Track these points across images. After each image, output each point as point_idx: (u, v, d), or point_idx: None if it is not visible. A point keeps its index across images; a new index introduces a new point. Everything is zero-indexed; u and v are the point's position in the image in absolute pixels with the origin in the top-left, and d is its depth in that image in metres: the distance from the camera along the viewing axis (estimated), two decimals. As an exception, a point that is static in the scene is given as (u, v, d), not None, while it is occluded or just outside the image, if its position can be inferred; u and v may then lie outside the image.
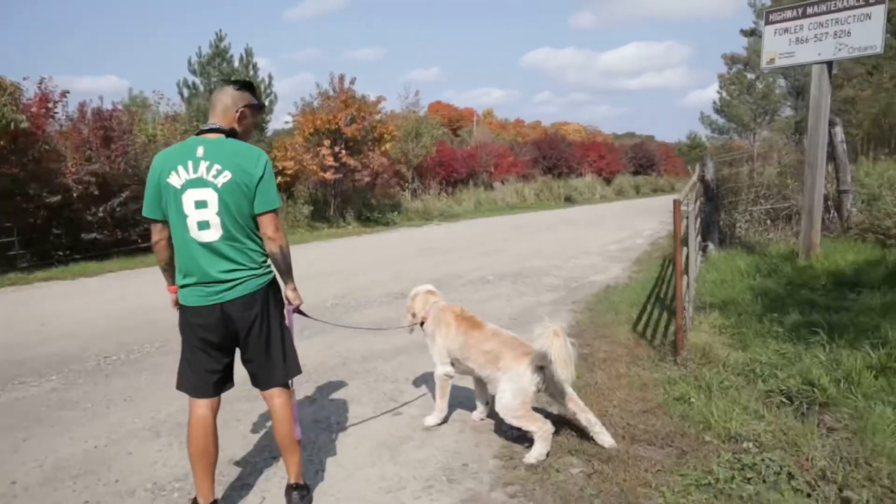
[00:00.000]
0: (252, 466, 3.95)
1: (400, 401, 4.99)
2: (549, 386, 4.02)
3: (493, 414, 4.54)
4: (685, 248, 6.28)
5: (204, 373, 3.21)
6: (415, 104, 23.23)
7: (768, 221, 10.09)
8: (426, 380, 5.46)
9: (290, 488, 3.39)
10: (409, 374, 5.61)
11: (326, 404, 4.97)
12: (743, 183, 10.53)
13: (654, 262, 11.62)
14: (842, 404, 4.34)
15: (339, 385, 5.43)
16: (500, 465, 3.83)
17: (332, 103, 16.94)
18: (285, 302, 3.42)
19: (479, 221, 20.44)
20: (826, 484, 3.43)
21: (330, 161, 16.15)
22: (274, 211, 3.18)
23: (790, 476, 3.51)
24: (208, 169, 3.04)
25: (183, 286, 3.14)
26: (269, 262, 3.27)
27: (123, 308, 8.87)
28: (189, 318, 3.15)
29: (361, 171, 17.12)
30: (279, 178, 16.42)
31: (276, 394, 3.34)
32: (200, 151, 3.06)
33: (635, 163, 40.16)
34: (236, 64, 19.60)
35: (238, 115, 3.22)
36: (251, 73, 19.73)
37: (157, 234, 3.19)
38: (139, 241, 14.19)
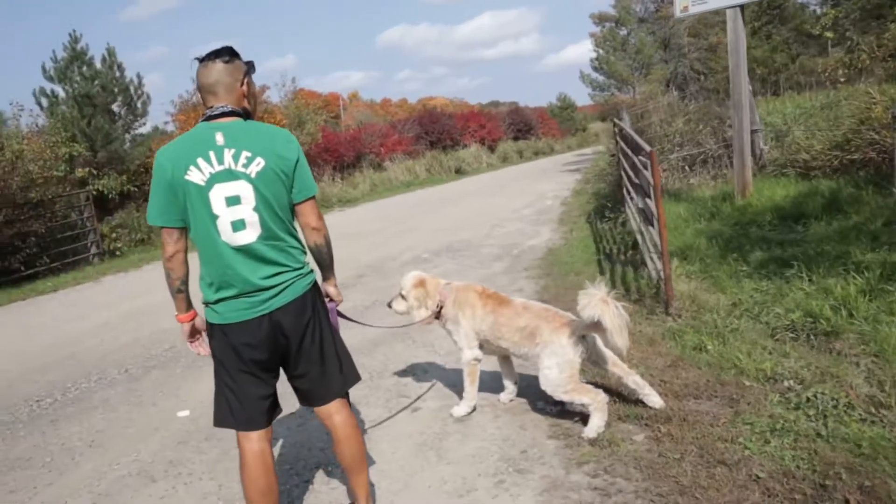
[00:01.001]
0: (287, 496, 3.54)
1: (410, 395, 4.67)
2: (592, 354, 3.85)
3: (521, 392, 4.35)
4: (648, 200, 6.27)
5: (256, 400, 2.75)
6: (293, 92, 22.33)
7: (686, 168, 10.38)
8: (425, 369, 5.17)
9: None
10: (401, 366, 5.29)
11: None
12: (655, 134, 10.76)
13: (576, 221, 11.73)
14: (847, 331, 4.44)
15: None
16: (560, 446, 3.63)
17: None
18: (326, 300, 3.04)
19: (381, 203, 20.01)
20: (885, 409, 3.45)
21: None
22: (314, 197, 2.81)
23: (849, 406, 3.52)
24: (235, 158, 2.57)
25: (218, 301, 2.65)
26: (308, 258, 2.88)
27: (31, 346, 7.86)
28: (232, 338, 2.66)
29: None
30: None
31: (336, 409, 2.93)
32: (220, 139, 2.57)
33: (514, 128, 40.71)
34: (99, 66, 17.99)
35: (245, 89, 2.73)
36: (117, 74, 18.19)
37: (173, 244, 2.62)
38: (22, 268, 12.83)
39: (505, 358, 4.29)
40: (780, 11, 23.34)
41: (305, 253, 2.85)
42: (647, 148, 5.74)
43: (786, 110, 10.59)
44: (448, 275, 8.64)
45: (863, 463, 3.00)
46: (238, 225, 2.59)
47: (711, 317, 5.12)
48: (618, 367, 3.89)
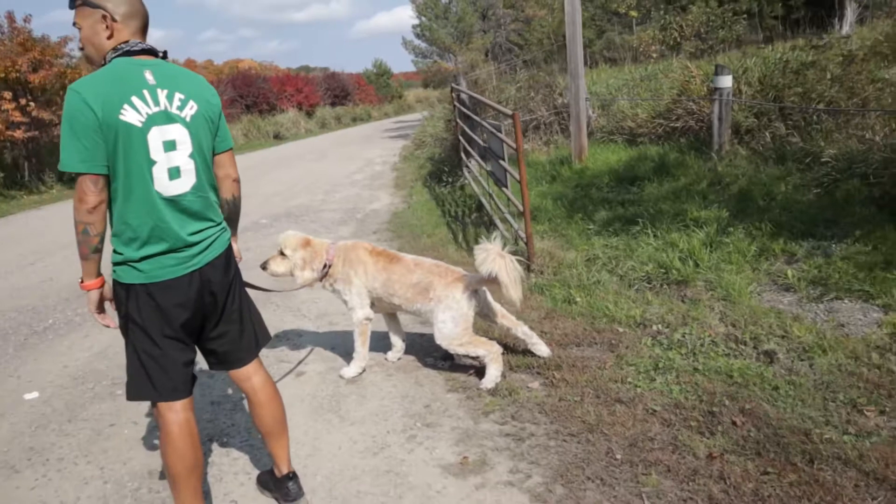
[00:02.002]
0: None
1: (290, 360, 4.50)
2: (483, 307, 3.93)
3: (408, 350, 4.36)
4: (502, 162, 6.46)
5: (181, 367, 2.49)
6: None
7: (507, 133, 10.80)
8: (298, 333, 5.01)
9: (284, 479, 2.85)
10: (273, 331, 5.02)
11: (208, 382, 4.30)
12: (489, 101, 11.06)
13: (412, 185, 11.82)
14: (695, 279, 4.90)
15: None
16: (461, 398, 3.69)
17: (6, 47, 14.04)
18: None
19: (200, 168, 18.94)
20: (742, 344, 3.87)
21: (17, 117, 13.50)
22: (232, 147, 2.67)
23: (713, 343, 3.91)
24: (169, 99, 2.35)
25: (144, 258, 2.35)
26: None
27: None
28: (159, 298, 2.38)
29: (59, 126, 14.51)
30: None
31: (254, 370, 2.76)
32: (150, 77, 2.32)
33: (331, 94, 40.04)
34: None
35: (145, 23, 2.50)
36: None
37: (97, 194, 2.25)
38: None
39: (392, 315, 4.27)
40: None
41: (220, 207, 2.66)
42: (509, 112, 5.89)
43: (608, 81, 11.33)
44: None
45: (738, 390, 3.35)
46: (174, 173, 2.37)
47: (572, 272, 5.41)
48: (506, 319, 4.01)
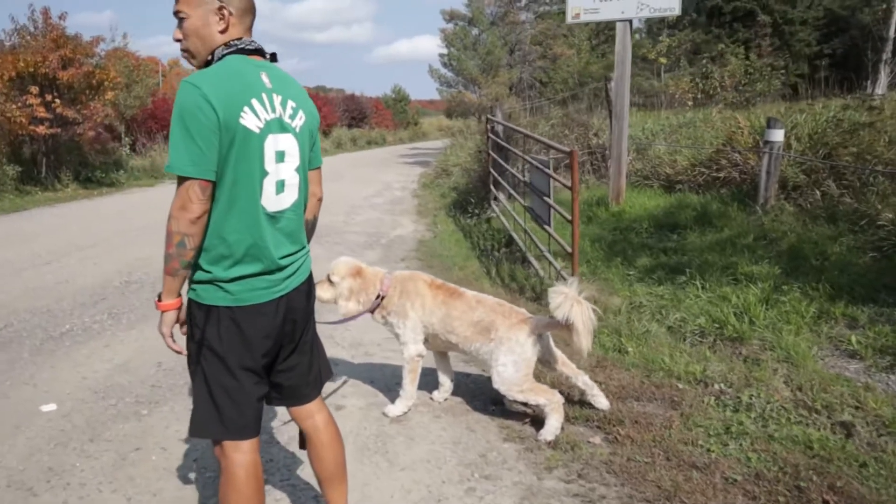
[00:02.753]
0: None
1: (325, 391, 4.26)
2: (545, 353, 3.71)
3: (455, 391, 4.13)
4: (548, 199, 6.29)
5: (255, 403, 2.29)
6: (124, 49, 20.26)
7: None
8: (333, 362, 4.75)
9: None
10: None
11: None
12: (520, 136, 10.93)
13: (436, 214, 11.66)
14: (751, 337, 4.68)
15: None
16: (519, 449, 3.45)
17: (38, 42, 13.96)
18: None
19: (216, 179, 18.78)
20: (815, 413, 3.64)
21: (42, 112, 13.37)
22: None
23: (782, 409, 3.68)
24: (283, 106, 2.19)
25: (235, 279, 2.14)
26: None
27: None
28: (244, 324, 2.17)
29: (83, 124, 14.44)
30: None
31: (318, 407, 2.54)
32: (266, 80, 2.16)
33: (348, 115, 40.25)
34: None
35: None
36: None
37: (204, 203, 2.04)
38: None
39: (443, 354, 4.04)
40: (615, 33, 24.92)
41: None
42: (566, 149, 5.73)
43: (644, 125, 11.22)
44: (318, 259, 8.16)
45: (821, 465, 3.12)
46: (280, 186, 2.21)
47: (618, 319, 5.19)
48: (567, 367, 3.79)
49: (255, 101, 2.09)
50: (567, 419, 3.71)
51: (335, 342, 5.16)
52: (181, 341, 2.27)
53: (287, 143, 2.19)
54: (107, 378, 4.49)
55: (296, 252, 2.31)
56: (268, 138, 2.12)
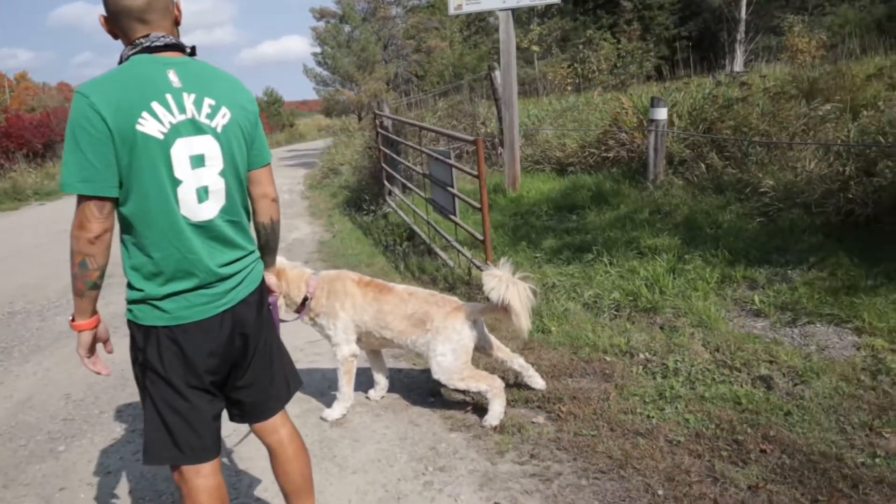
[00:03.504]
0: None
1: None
2: (481, 339, 3.73)
3: (391, 387, 4.07)
4: (451, 189, 6.32)
5: (211, 423, 2.15)
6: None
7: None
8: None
9: None
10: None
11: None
12: (408, 129, 10.93)
13: (330, 214, 11.46)
14: (664, 306, 4.90)
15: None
16: (468, 437, 3.45)
17: None
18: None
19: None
20: (736, 370, 3.86)
21: None
22: (270, 162, 2.32)
23: (705, 370, 3.88)
24: (197, 105, 1.98)
25: (168, 296, 2.00)
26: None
27: None
28: (184, 343, 2.02)
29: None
30: None
31: (282, 421, 2.42)
32: (174, 79, 1.96)
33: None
34: None
35: (178, 13, 2.10)
36: None
37: (101, 221, 1.88)
38: None
39: (375, 352, 3.98)
40: (486, 24, 25.44)
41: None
42: (469, 138, 5.77)
43: (529, 111, 11.48)
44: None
45: (752, 417, 3.31)
46: (202, 194, 2.01)
47: (535, 301, 5.28)
48: (502, 352, 3.82)
49: (156, 105, 1.90)
50: (508, 402, 3.74)
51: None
52: (119, 361, 2.10)
53: (205, 145, 1.99)
54: (10, 417, 4.12)
55: (238, 259, 2.14)
56: (176, 143, 1.93)
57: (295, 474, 2.42)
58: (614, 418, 3.42)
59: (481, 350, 3.82)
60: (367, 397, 4.01)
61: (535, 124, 10.78)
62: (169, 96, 1.92)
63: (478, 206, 5.58)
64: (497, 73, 10.01)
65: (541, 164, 9.71)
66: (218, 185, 2.04)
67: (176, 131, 1.93)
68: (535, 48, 18.47)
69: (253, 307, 2.20)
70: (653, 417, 3.40)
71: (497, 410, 3.53)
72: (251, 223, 2.31)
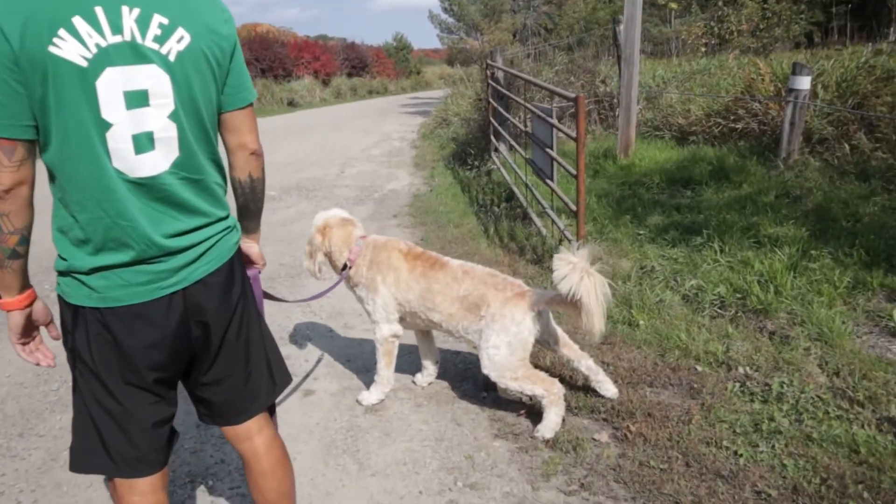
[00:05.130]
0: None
1: (296, 372, 3.77)
2: (544, 333, 3.18)
3: (443, 372, 3.62)
4: (550, 151, 5.70)
5: (151, 430, 1.75)
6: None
7: (557, 120, 9.99)
8: (306, 335, 4.27)
9: None
10: (274, 330, 4.33)
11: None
12: (522, 83, 10.25)
13: (434, 166, 11.04)
14: (778, 309, 4.14)
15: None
16: (512, 449, 2.94)
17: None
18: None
19: (209, 130, 18.08)
20: (857, 406, 3.12)
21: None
22: (253, 104, 1.82)
23: (819, 400, 3.16)
24: (142, 24, 1.52)
25: (95, 270, 1.59)
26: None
27: None
28: (118, 331, 1.63)
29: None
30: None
31: (258, 427, 1.99)
32: None
33: (349, 64, 39.18)
34: None
35: None
36: None
37: (13, 171, 1.47)
38: None
39: (425, 333, 3.52)
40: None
41: (226, 193, 1.86)
42: (570, 95, 5.12)
43: (655, 72, 10.50)
44: (304, 216, 7.65)
45: (872, 475, 2.60)
46: (143, 142, 1.56)
47: (628, 286, 4.65)
48: (568, 349, 3.26)
49: (79, 20, 1.44)
50: (569, 409, 3.20)
51: (312, 312, 4.65)
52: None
53: (149, 78, 1.53)
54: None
55: (196, 229, 1.70)
56: (104, 74, 1.47)
57: (270, 492, 2.00)
58: (693, 450, 2.81)
59: (544, 344, 3.28)
60: (414, 382, 3.57)
61: (660, 86, 9.82)
62: (99, 10, 1.46)
63: (574, 172, 4.96)
64: (621, 27, 9.14)
65: (660, 130, 8.82)
66: (167, 132, 1.59)
67: (105, 57, 1.47)
68: (673, 5, 17.00)
69: (216, 290, 1.76)
70: (741, 455, 2.76)
71: (552, 421, 3.00)
72: (228, 180, 1.86)
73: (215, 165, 1.76)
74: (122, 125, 1.52)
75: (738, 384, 3.34)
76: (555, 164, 5.60)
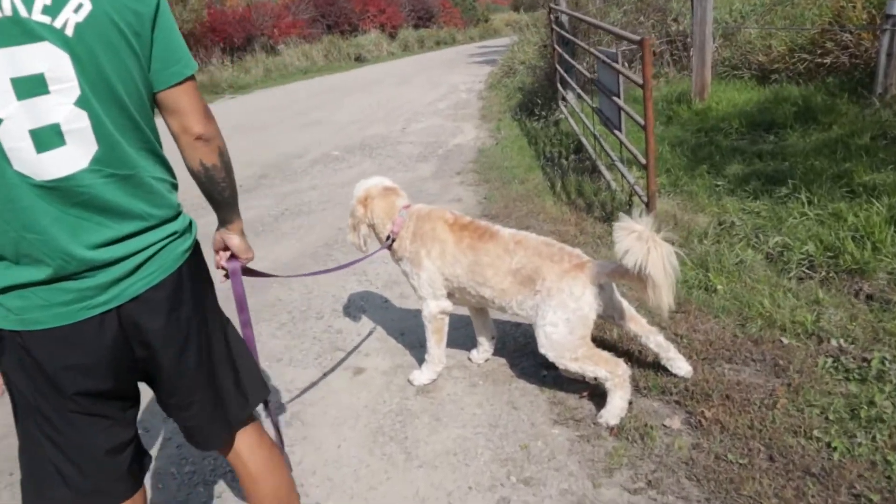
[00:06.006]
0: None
1: (347, 348, 3.61)
2: (608, 307, 2.88)
3: (501, 348, 3.38)
4: (617, 99, 5.27)
5: (103, 457, 1.55)
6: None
7: (625, 64, 9.40)
8: (360, 306, 4.10)
9: None
10: (329, 301, 4.19)
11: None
12: (587, 26, 9.66)
13: (500, 118, 10.64)
14: (875, 269, 3.69)
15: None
16: (574, 437, 2.69)
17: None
18: (218, 260, 1.90)
19: (277, 90, 18.00)
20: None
21: None
22: (193, 79, 1.54)
23: (929, 381, 2.75)
24: None
25: (10, 289, 1.39)
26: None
27: None
28: (40, 357, 1.43)
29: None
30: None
31: (240, 442, 1.79)
32: None
33: (415, 15, 38.58)
34: None
35: None
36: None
37: None
38: None
39: (479, 308, 3.27)
40: None
41: (176, 188, 1.62)
42: (634, 37, 4.68)
43: (732, 5, 9.70)
44: (366, 176, 7.44)
45: None
46: (47, 138, 1.33)
47: (704, 245, 4.27)
48: (636, 324, 2.96)
49: None
50: (637, 389, 2.91)
51: (367, 280, 4.47)
52: None
53: (43, 59, 1.30)
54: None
55: (129, 236, 1.46)
56: None
57: (264, 496, 1.80)
58: (777, 441, 2.49)
59: (608, 319, 2.98)
60: (469, 359, 3.35)
61: (737, 21, 9.05)
62: None
63: (642, 122, 4.55)
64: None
65: (739, 69, 8.14)
66: (78, 123, 1.35)
67: None
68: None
69: (160, 307, 1.52)
70: (835, 449, 2.42)
71: (617, 406, 2.72)
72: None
73: (153, 156, 1.51)
74: (13, 120, 1.29)
75: (830, 359, 2.97)
76: (622, 113, 5.19)
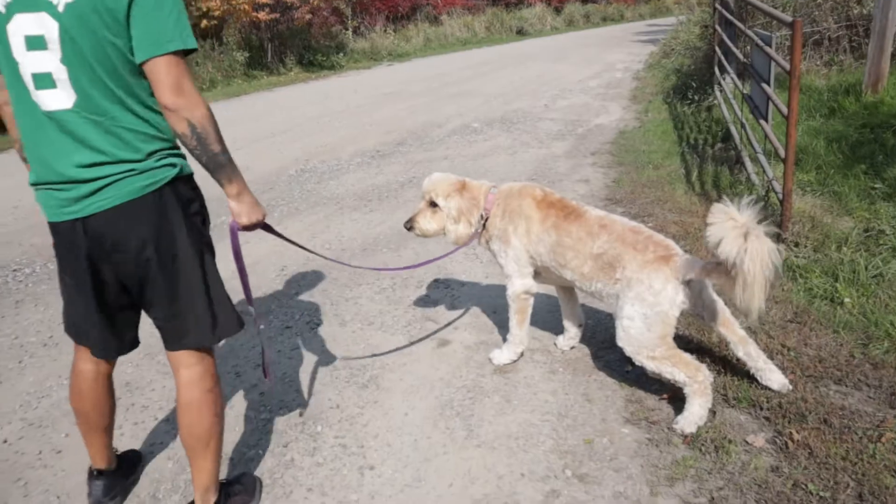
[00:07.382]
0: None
1: (439, 320, 3.62)
2: (696, 304, 2.68)
3: (590, 337, 3.25)
4: (766, 87, 4.85)
5: (86, 316, 2.04)
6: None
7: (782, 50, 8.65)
8: (461, 281, 4.09)
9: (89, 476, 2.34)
10: (432, 272, 4.21)
11: (332, 331, 3.56)
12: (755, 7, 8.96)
13: (651, 100, 10.17)
14: None
15: (342, 296, 3.99)
16: (643, 439, 2.54)
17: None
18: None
19: (433, 60, 18.27)
20: None
21: (264, -1, 13.62)
22: (174, 55, 1.76)
23: None
24: None
25: (34, 185, 1.92)
26: (173, 148, 1.96)
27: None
28: (54, 241, 2.00)
29: (300, 8, 14.59)
30: (203, 22, 13.71)
31: (185, 362, 2.08)
32: None
33: (584, -11, 37.65)
34: None
35: None
36: None
37: None
38: None
39: (568, 290, 3.16)
40: None
41: (164, 140, 1.91)
42: (787, 19, 4.27)
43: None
44: (498, 150, 7.41)
45: None
46: (43, 81, 1.78)
47: (842, 252, 3.86)
48: (728, 329, 2.73)
49: None
50: (724, 398, 2.71)
51: (475, 255, 4.45)
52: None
53: (42, 25, 1.72)
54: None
55: (94, 164, 1.81)
56: (14, 19, 1.73)
57: (182, 429, 2.13)
58: (873, 478, 2.22)
59: (698, 318, 2.78)
60: (555, 344, 3.25)
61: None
62: None
63: (784, 112, 4.17)
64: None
65: (930, 59, 7.24)
66: (62, 75, 1.77)
67: (15, 4, 1.73)
68: None
69: (119, 226, 1.87)
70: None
71: (695, 413, 2.54)
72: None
73: (126, 110, 1.82)
74: (24, 65, 1.76)
75: (962, 394, 2.61)
76: (770, 101, 4.78)
